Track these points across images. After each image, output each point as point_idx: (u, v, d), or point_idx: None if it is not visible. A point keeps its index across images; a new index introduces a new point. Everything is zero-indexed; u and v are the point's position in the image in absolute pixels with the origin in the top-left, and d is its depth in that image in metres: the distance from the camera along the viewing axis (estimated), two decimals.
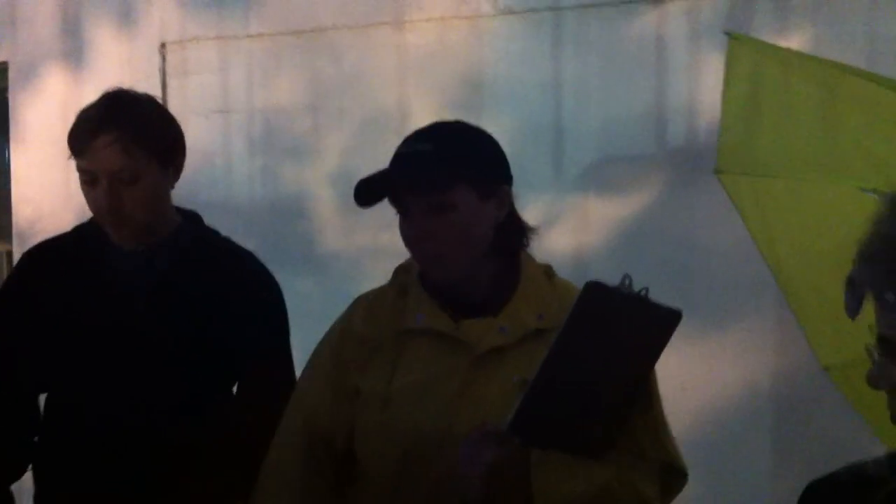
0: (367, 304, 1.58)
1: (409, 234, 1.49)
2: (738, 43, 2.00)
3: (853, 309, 0.94)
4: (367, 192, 1.47)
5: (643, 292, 1.31)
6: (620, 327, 1.31)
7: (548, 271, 1.57)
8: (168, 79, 4.28)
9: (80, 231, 1.88)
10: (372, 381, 1.50)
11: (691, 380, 3.04)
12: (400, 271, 1.58)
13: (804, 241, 2.08)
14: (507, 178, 1.54)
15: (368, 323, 1.55)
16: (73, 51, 4.68)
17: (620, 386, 1.36)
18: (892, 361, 0.91)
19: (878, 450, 1.89)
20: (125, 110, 1.74)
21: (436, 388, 1.46)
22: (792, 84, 2.00)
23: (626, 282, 1.30)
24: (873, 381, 0.93)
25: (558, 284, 1.55)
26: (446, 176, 1.45)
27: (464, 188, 1.46)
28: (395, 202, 1.49)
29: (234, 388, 1.94)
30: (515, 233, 1.55)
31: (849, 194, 1.92)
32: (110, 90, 1.81)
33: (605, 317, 1.29)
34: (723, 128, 2.05)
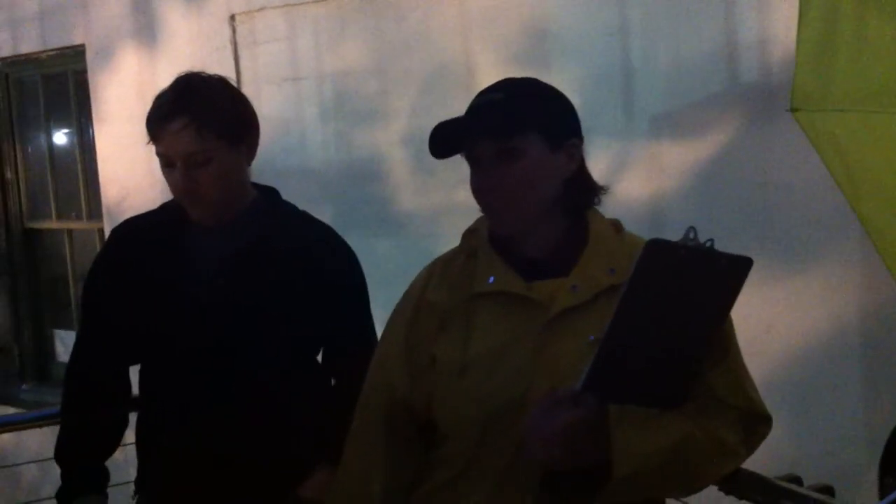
0: (439, 271, 1.58)
1: (478, 182, 1.49)
2: None
3: None
4: (441, 141, 1.49)
5: (708, 244, 1.28)
6: (687, 281, 1.28)
7: (616, 225, 1.55)
8: (239, 50, 4.34)
9: (165, 208, 1.94)
10: (447, 348, 1.50)
11: (777, 320, 3.00)
12: (468, 235, 1.58)
13: (884, 175, 2.04)
14: (577, 133, 1.54)
15: (441, 289, 1.55)
16: (145, 29, 4.78)
17: (693, 337, 1.35)
18: None
19: None
20: (196, 94, 1.79)
21: (512, 352, 1.46)
22: (867, 20, 1.96)
23: (691, 235, 1.27)
24: None
25: (627, 239, 1.54)
26: (515, 121, 1.46)
27: (533, 136, 1.46)
28: (467, 151, 1.50)
29: (321, 358, 1.99)
30: (585, 190, 1.54)
31: None
32: (182, 74, 1.86)
33: (670, 272, 1.27)
34: (798, 67, 2.01)
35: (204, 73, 1.86)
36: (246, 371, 1.84)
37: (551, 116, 1.51)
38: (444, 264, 1.59)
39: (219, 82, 1.86)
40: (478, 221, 1.58)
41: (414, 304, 1.58)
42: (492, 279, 1.50)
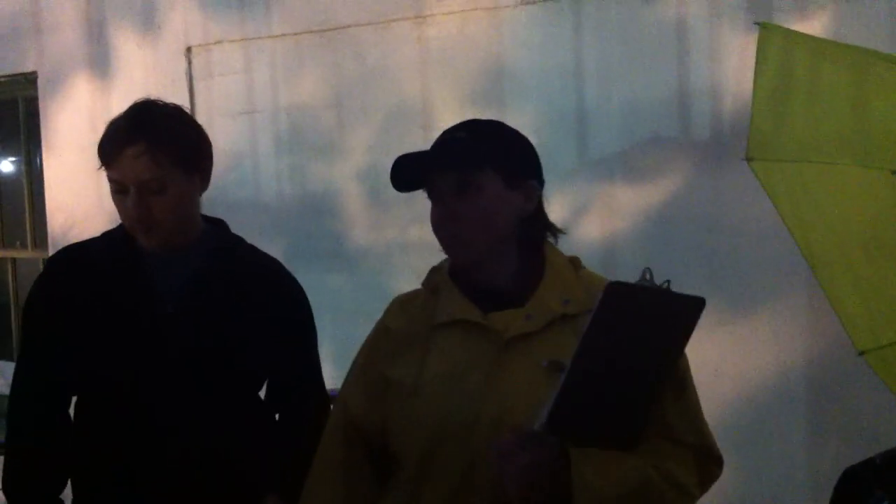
0: (401, 303, 1.63)
1: (436, 216, 1.53)
2: (767, 32, 2.01)
3: None
4: (402, 174, 1.52)
5: (665, 285, 1.32)
6: (645, 321, 1.32)
7: (574, 262, 1.59)
8: (194, 82, 4.32)
9: (108, 236, 1.91)
10: (402, 372, 1.53)
11: (725, 364, 3.03)
12: (433, 272, 1.62)
13: (837, 226, 2.07)
14: (536, 175, 1.58)
15: (401, 318, 1.60)
16: (100, 58, 4.74)
17: (651, 377, 1.37)
18: None
19: None
20: (152, 121, 1.77)
21: (464, 376, 1.48)
22: (822, 71, 2.01)
23: (647, 275, 1.31)
24: None
25: (584, 275, 1.58)
26: (475, 155, 1.50)
27: (491, 173, 1.51)
28: (428, 186, 1.53)
29: (263, 394, 1.97)
30: (541, 229, 1.58)
31: (881, 178, 1.92)
32: (138, 101, 1.84)
33: (629, 313, 1.31)
34: (754, 116, 2.04)
35: (160, 100, 1.85)
36: (195, 401, 1.82)
37: (510, 155, 1.55)
38: (404, 299, 1.64)
39: (175, 110, 1.84)
40: (441, 262, 1.62)
41: (374, 333, 1.63)
42: (450, 311, 1.53)
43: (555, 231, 1.60)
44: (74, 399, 1.94)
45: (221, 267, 1.85)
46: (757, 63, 2.00)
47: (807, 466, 2.94)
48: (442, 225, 1.53)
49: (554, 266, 1.55)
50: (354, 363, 1.64)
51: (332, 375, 1.98)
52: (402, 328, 1.58)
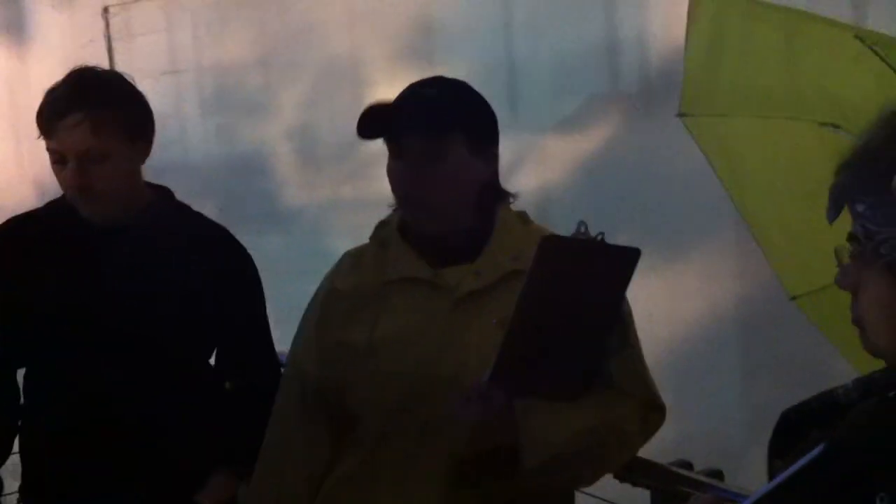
0: (349, 260, 1.61)
1: (398, 176, 1.50)
2: None
3: (831, 216, 0.97)
4: (367, 124, 1.49)
5: (599, 237, 1.34)
6: (582, 273, 1.34)
7: (523, 217, 1.59)
8: (113, 43, 4.22)
9: (51, 207, 1.88)
10: (356, 332, 1.53)
11: (657, 310, 3.08)
12: (380, 226, 1.61)
13: (768, 177, 2.13)
14: (496, 141, 1.57)
15: (351, 277, 1.58)
16: (14, 21, 4.59)
17: (591, 328, 1.40)
18: (859, 263, 0.94)
19: (843, 366, 1.95)
20: (91, 90, 1.73)
21: (418, 334, 1.49)
22: (754, 30, 2.05)
23: (582, 228, 1.33)
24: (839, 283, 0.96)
25: (534, 229, 1.57)
26: (445, 121, 1.48)
27: (458, 138, 1.49)
28: (391, 141, 1.50)
29: (214, 361, 1.96)
30: (495, 194, 1.57)
31: (809, 129, 1.97)
32: (76, 68, 1.79)
33: (565, 267, 1.33)
34: (686, 75, 2.07)
35: (98, 67, 1.81)
36: (146, 371, 1.81)
37: (476, 123, 1.54)
38: (353, 256, 1.62)
39: (115, 77, 1.82)
40: (389, 216, 1.61)
41: (324, 293, 1.61)
42: (400, 266, 1.53)
43: (506, 197, 1.58)
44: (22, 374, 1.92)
45: (167, 241, 1.83)
46: (689, 24, 2.03)
47: (740, 405, 3.02)
48: (402, 185, 1.50)
49: (504, 222, 1.55)
50: (304, 324, 1.63)
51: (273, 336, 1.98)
52: (353, 286, 1.56)
